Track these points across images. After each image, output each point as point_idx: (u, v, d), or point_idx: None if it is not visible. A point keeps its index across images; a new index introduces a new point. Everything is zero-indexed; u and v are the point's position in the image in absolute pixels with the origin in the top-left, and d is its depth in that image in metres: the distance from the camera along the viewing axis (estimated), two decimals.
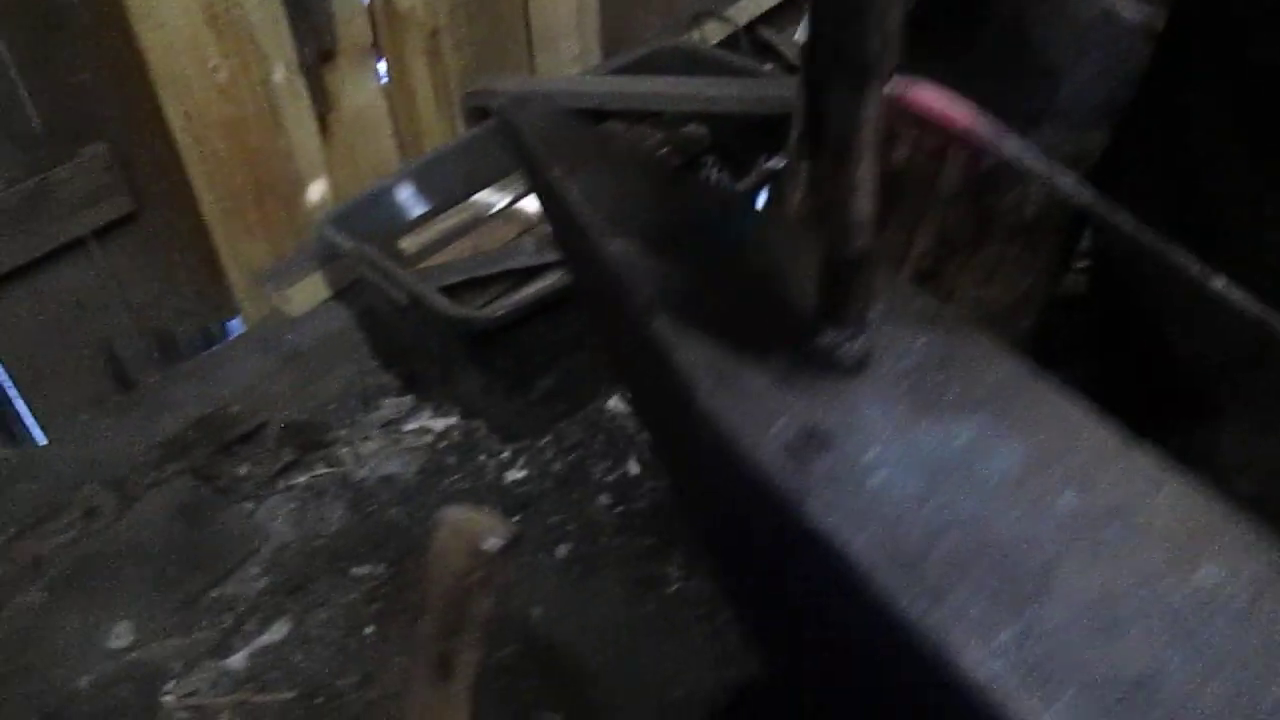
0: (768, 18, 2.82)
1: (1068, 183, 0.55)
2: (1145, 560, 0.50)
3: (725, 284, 0.68)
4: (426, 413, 1.91)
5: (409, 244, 1.95)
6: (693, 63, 2.29)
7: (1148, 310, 1.50)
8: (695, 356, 0.62)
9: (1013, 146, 0.55)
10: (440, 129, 2.17)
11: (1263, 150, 1.03)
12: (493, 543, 0.77)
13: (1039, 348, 1.67)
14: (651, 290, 0.67)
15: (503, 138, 0.92)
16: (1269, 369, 1.09)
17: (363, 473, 1.81)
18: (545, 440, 1.87)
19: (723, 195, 0.79)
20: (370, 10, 1.95)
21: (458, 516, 0.81)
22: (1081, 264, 1.69)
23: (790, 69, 2.76)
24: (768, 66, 2.68)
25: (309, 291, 2.00)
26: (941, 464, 0.55)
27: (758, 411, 0.58)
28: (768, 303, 0.66)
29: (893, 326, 0.64)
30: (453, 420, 1.90)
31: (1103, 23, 1.60)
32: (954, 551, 0.49)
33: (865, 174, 0.50)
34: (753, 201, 2.08)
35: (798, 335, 0.62)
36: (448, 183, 2.04)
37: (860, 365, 0.60)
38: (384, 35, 2.00)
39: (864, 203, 0.52)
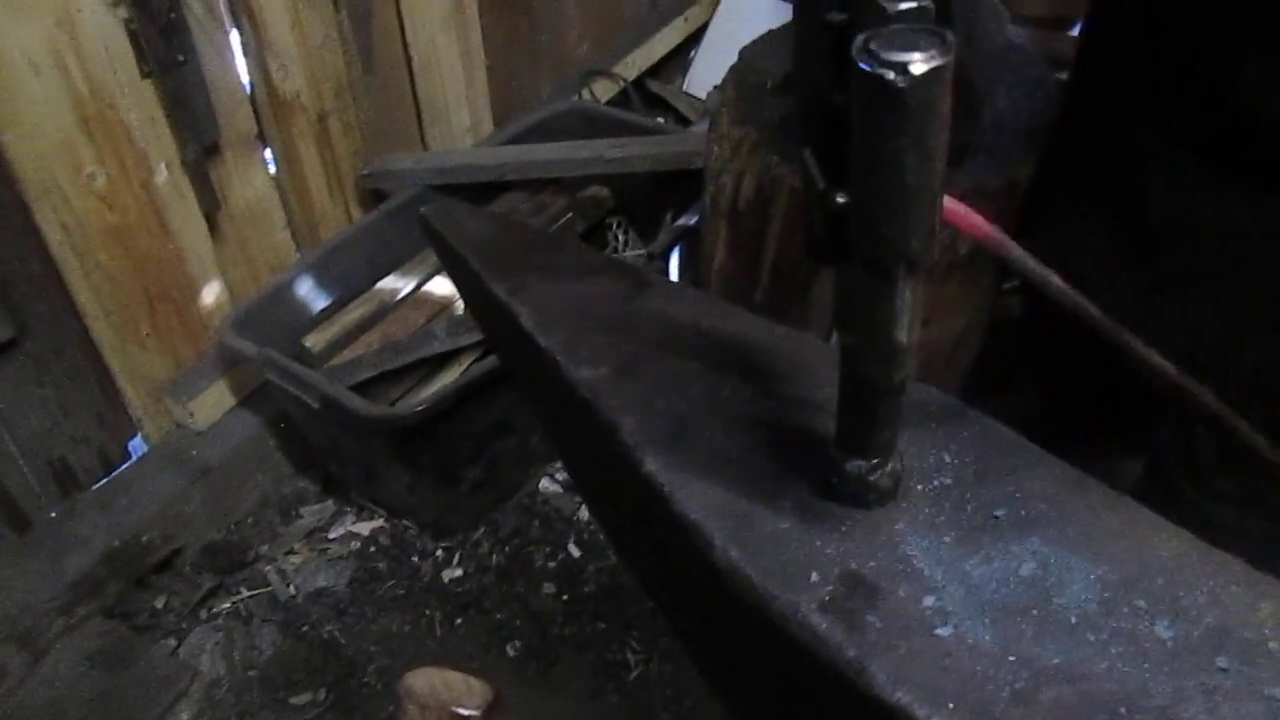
0: (655, 71, 2.80)
1: (1060, 288, 0.52)
2: (1272, 690, 0.45)
3: (716, 407, 0.62)
4: (350, 517, 1.82)
5: (315, 341, 1.85)
6: (588, 123, 2.25)
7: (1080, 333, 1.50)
8: (701, 501, 0.56)
9: (1016, 252, 0.51)
10: (336, 216, 2.09)
11: (1206, 165, 1.03)
12: (470, 714, 0.70)
13: (980, 379, 1.67)
14: (636, 425, 0.61)
15: (434, 249, 0.86)
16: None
17: (290, 590, 1.70)
18: (480, 532, 1.79)
19: (690, 296, 0.74)
20: (252, 99, 1.86)
21: (424, 686, 0.73)
22: (1012, 284, 1.69)
23: (683, 120, 2.75)
24: (660, 120, 2.66)
25: (214, 401, 1.88)
26: (1011, 604, 0.49)
27: (788, 562, 0.52)
28: (769, 427, 0.61)
29: (913, 434, 0.59)
30: (379, 522, 1.80)
31: (1010, 52, 1.61)
32: (1055, 713, 0.44)
33: (910, 300, 0.46)
34: (667, 260, 2.05)
35: (813, 464, 0.57)
36: (349, 272, 1.96)
37: (891, 493, 0.55)
38: (269, 124, 1.91)
39: (908, 331, 0.47)
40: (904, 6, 0.42)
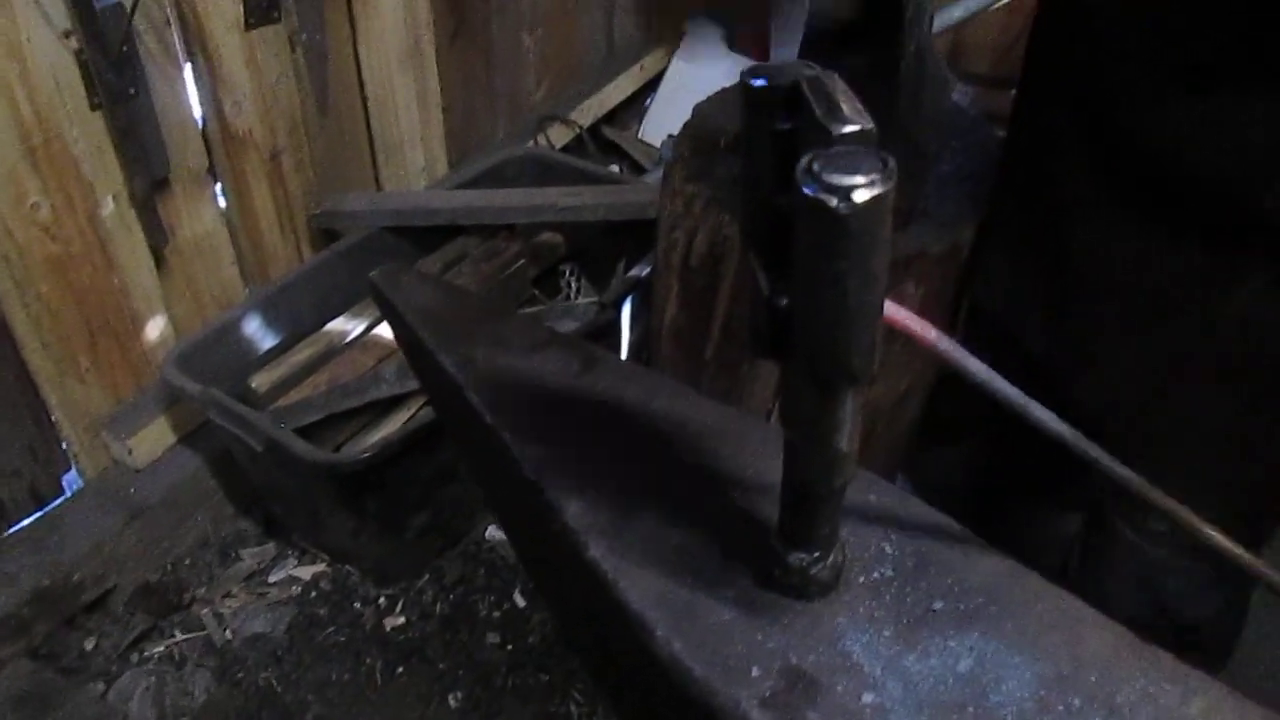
0: (610, 117, 2.82)
1: (1010, 390, 0.53)
2: None
3: (662, 491, 0.63)
4: (292, 561, 1.79)
5: (261, 381, 1.83)
6: (543, 169, 2.27)
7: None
8: (644, 590, 0.56)
9: (965, 358, 0.52)
10: (286, 254, 2.07)
11: (1126, 215, 1.06)
12: None
13: (925, 432, 1.69)
14: (581, 508, 0.61)
15: (382, 314, 0.86)
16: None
17: (227, 635, 1.67)
18: (424, 580, 1.77)
19: (639, 375, 0.74)
20: (204, 134, 1.85)
21: None
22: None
23: (637, 167, 2.77)
24: (614, 167, 2.68)
25: (154, 438, 1.85)
26: (948, 701, 0.50)
27: (729, 656, 0.52)
28: (714, 514, 0.61)
29: (855, 524, 0.60)
30: (321, 567, 1.78)
31: (955, 115, 1.65)
32: None
33: (851, 410, 0.47)
34: (619, 310, 2.05)
35: (756, 553, 0.57)
36: (298, 312, 1.94)
37: (832, 585, 0.56)
38: (220, 159, 1.90)
39: (849, 438, 0.48)
40: (848, 129, 0.43)
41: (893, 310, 0.49)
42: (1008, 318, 1.28)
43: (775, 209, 0.49)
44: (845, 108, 0.44)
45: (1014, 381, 0.54)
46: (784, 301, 0.48)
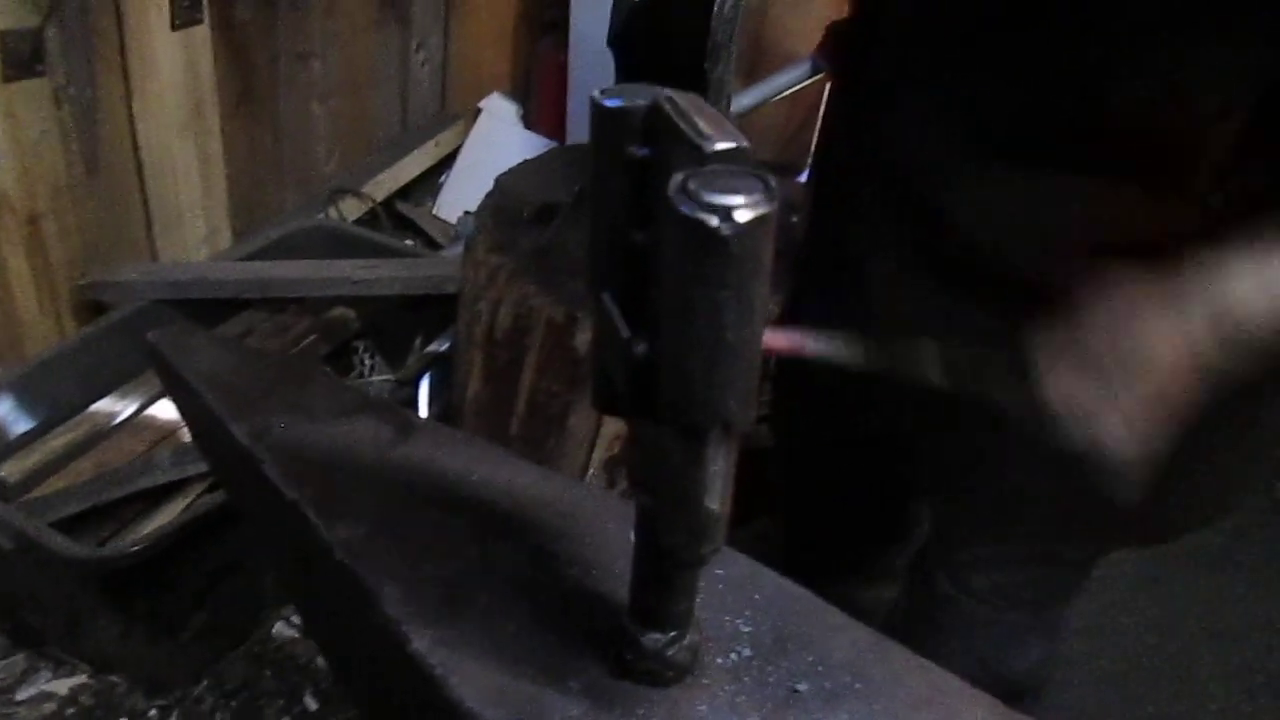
0: (404, 193, 2.74)
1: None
2: None
3: (492, 571, 0.55)
4: (46, 674, 1.58)
5: (11, 470, 1.63)
6: (335, 242, 2.16)
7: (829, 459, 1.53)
8: (478, 685, 0.49)
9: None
10: (45, 329, 1.88)
11: (936, 285, 1.08)
12: None
13: (733, 506, 1.67)
14: (400, 593, 0.53)
15: (162, 381, 0.75)
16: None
17: None
18: (201, 686, 1.60)
19: (461, 442, 0.67)
20: None
21: None
22: (761, 415, 1.71)
23: (431, 244, 2.69)
24: (408, 242, 2.60)
25: None
26: None
27: None
28: (552, 594, 0.54)
29: (706, 599, 0.54)
30: (82, 679, 1.58)
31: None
32: None
33: (724, 465, 0.41)
34: (416, 387, 1.96)
35: (603, 637, 0.51)
36: (58, 392, 1.75)
37: (688, 668, 0.50)
38: None
39: (720, 499, 0.42)
40: (721, 146, 0.39)
41: (773, 336, 0.44)
42: (820, 390, 1.28)
43: (631, 245, 0.44)
44: (714, 126, 0.40)
45: (834, 454, 0.51)
46: (642, 347, 0.43)
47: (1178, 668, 1.90)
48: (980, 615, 1.23)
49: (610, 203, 0.45)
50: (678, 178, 0.37)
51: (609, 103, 0.43)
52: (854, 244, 1.16)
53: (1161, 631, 1.96)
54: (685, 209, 0.36)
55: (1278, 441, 1.19)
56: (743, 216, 0.36)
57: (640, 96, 0.43)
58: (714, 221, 0.35)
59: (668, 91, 0.43)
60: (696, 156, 0.38)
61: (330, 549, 0.57)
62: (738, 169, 0.38)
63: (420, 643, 0.51)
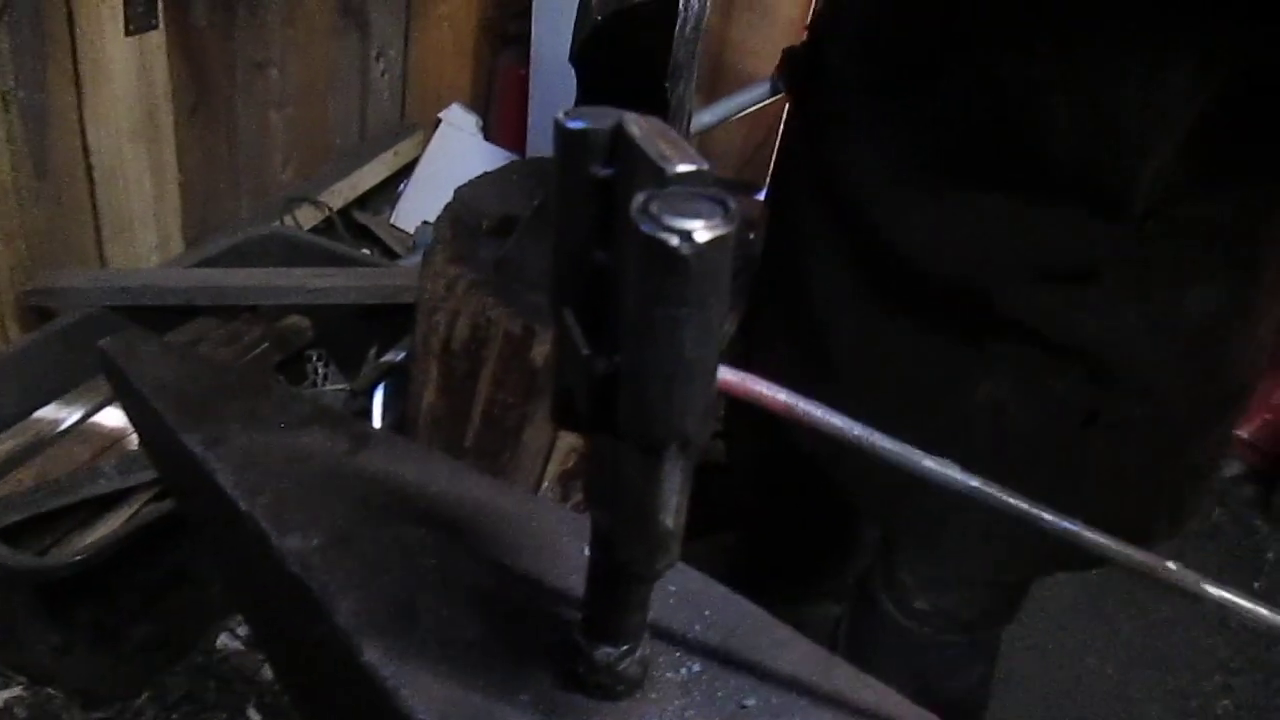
0: (362, 202, 2.73)
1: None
2: None
3: (446, 584, 0.56)
4: None
5: None
6: (290, 250, 2.14)
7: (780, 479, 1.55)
8: (429, 697, 0.49)
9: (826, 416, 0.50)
10: None
11: (886, 310, 1.10)
12: None
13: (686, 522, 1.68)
14: (354, 605, 0.53)
15: (113, 389, 0.75)
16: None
17: None
18: (143, 699, 1.57)
19: (416, 454, 0.67)
20: None
21: None
22: (715, 430, 1.72)
23: (389, 253, 2.68)
24: (365, 251, 2.59)
25: None
26: None
27: None
28: (506, 607, 0.54)
29: (656, 612, 0.54)
30: (16, 691, 1.55)
31: None
32: None
33: (680, 482, 0.42)
34: (371, 397, 1.95)
35: (555, 650, 0.51)
36: (0, 400, 1.72)
37: (639, 682, 0.50)
38: None
39: (675, 515, 0.43)
40: (682, 169, 0.39)
41: (732, 376, 0.45)
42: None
43: (593, 263, 0.45)
44: (676, 149, 0.40)
45: (783, 470, 0.52)
46: (602, 364, 0.44)
47: (1115, 689, 1.93)
48: (921, 636, 1.25)
49: (573, 221, 0.45)
50: (639, 198, 0.38)
51: (572, 124, 0.43)
52: (805, 263, 1.18)
53: (1100, 654, 1.99)
54: (646, 229, 0.37)
55: (1214, 469, 1.22)
56: (702, 237, 0.36)
57: (604, 119, 0.44)
58: (674, 241, 0.36)
59: (631, 115, 0.43)
60: (658, 178, 0.39)
61: (283, 560, 0.57)
62: (698, 190, 0.39)
63: (372, 654, 0.51)
